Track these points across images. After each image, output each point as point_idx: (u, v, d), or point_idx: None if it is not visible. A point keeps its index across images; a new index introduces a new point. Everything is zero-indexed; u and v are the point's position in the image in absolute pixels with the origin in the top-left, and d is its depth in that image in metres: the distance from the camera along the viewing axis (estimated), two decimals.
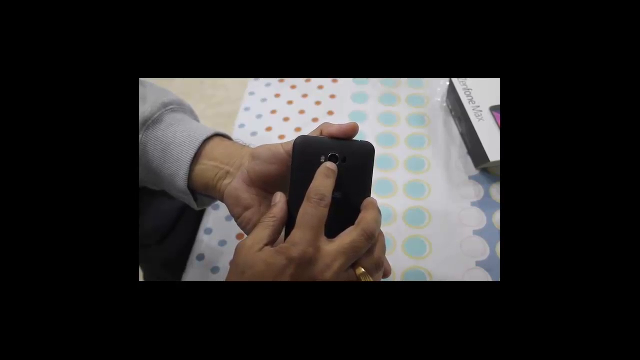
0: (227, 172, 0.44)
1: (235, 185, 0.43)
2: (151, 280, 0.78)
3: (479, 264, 0.54)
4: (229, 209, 0.44)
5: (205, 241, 0.59)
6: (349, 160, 0.39)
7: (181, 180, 0.45)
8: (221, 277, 0.56)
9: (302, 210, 0.37)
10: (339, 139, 0.40)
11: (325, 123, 0.41)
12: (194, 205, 0.47)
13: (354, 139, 0.40)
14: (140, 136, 0.45)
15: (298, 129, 0.70)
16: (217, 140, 0.46)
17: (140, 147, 0.45)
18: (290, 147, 0.40)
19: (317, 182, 0.37)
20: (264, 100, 0.75)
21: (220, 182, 0.44)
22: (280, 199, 0.39)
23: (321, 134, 0.41)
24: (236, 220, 0.44)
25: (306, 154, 0.39)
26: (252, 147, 0.45)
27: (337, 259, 0.36)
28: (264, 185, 0.43)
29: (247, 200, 0.42)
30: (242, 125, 0.71)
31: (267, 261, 0.35)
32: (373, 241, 0.38)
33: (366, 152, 0.40)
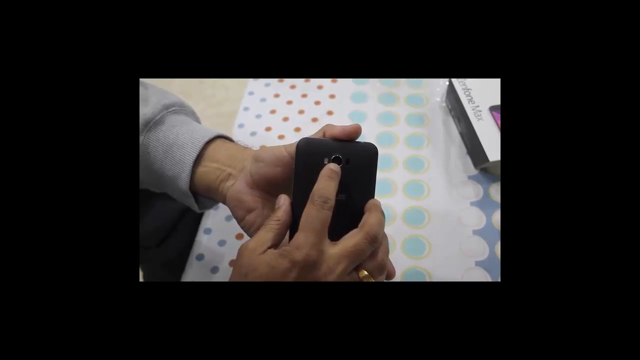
0: (229, 174, 0.44)
1: (238, 187, 0.43)
2: (151, 281, 0.77)
3: (478, 263, 0.54)
4: (231, 211, 0.44)
5: (204, 241, 0.59)
6: (353, 161, 0.39)
7: (183, 182, 0.44)
8: (221, 277, 0.56)
9: (306, 213, 0.36)
10: (342, 140, 0.39)
11: (327, 125, 0.41)
12: (196, 208, 0.47)
13: (357, 140, 0.40)
14: (142, 138, 0.45)
15: (297, 129, 0.70)
16: (219, 141, 0.46)
17: (142, 148, 0.45)
18: (293, 149, 0.40)
19: (320, 184, 0.37)
20: (263, 100, 0.75)
21: (222, 184, 0.44)
22: (284, 201, 0.39)
23: (324, 135, 0.40)
24: (239, 223, 0.43)
25: (309, 156, 0.39)
26: (254, 148, 0.45)
27: (340, 263, 0.36)
28: (267, 188, 0.43)
29: (250, 202, 0.42)
30: (241, 125, 0.71)
31: (270, 264, 0.35)
32: (376, 244, 0.38)
33: (370, 154, 0.40)
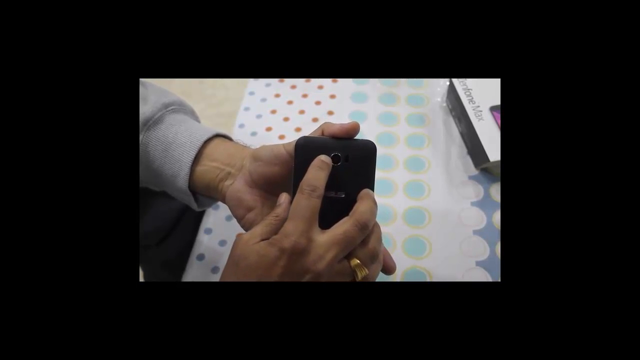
0: (229, 173, 0.44)
1: (237, 186, 0.43)
2: (151, 281, 0.77)
3: (478, 263, 0.54)
4: (231, 210, 0.44)
5: (205, 241, 0.59)
6: (351, 159, 0.39)
7: (182, 180, 0.44)
8: None
9: (295, 201, 0.37)
10: (341, 138, 0.40)
11: (326, 123, 0.41)
12: (195, 206, 0.47)
13: (355, 137, 0.40)
14: (141, 137, 0.45)
15: (298, 129, 0.70)
16: (218, 140, 0.46)
17: (141, 147, 0.45)
18: (292, 147, 0.40)
19: (310, 174, 0.38)
20: (263, 100, 0.75)
21: (221, 183, 0.44)
22: (285, 199, 0.39)
23: (322, 133, 0.41)
24: (239, 222, 0.44)
25: (308, 154, 0.39)
26: (253, 147, 0.45)
27: (330, 250, 0.36)
28: (266, 186, 0.43)
29: (249, 201, 0.42)
30: (241, 125, 0.71)
31: (259, 253, 0.36)
32: (367, 231, 0.38)
33: (368, 151, 0.40)
